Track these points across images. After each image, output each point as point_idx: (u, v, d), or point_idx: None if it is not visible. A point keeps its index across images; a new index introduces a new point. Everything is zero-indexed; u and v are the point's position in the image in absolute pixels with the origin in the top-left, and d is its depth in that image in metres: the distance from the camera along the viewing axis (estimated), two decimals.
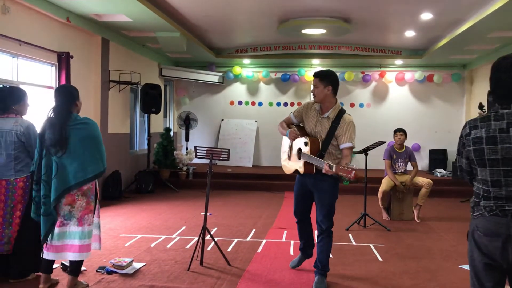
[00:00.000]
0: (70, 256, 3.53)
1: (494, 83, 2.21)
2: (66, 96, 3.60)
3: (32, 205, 3.58)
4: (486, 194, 2.17)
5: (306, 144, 3.80)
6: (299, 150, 3.88)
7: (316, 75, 3.88)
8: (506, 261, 2.10)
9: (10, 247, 3.73)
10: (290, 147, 4.06)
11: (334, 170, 3.42)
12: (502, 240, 2.08)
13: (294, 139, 3.97)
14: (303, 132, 3.97)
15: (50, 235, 3.50)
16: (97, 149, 3.57)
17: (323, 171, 3.51)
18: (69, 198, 3.50)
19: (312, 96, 4.01)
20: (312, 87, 3.95)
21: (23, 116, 3.94)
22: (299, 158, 3.87)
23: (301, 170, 3.84)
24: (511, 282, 2.20)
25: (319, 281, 3.90)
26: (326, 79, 3.83)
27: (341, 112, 3.85)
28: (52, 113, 3.55)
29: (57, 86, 3.83)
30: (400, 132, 6.87)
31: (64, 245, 3.52)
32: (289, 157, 4.07)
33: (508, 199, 2.10)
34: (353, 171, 3.34)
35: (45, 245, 3.54)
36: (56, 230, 3.52)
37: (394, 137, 6.92)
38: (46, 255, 3.55)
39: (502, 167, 2.10)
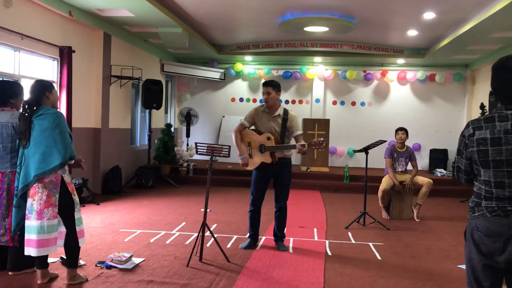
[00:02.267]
0: (31, 251, 3.51)
1: (500, 83, 2.17)
2: (36, 88, 3.67)
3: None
4: (488, 194, 2.16)
5: (269, 138, 4.63)
6: (261, 145, 4.68)
7: (268, 84, 4.71)
8: (505, 262, 2.10)
9: (7, 239, 3.74)
10: (250, 147, 4.79)
11: (306, 147, 4.37)
12: (504, 241, 2.08)
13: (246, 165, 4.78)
14: (257, 132, 4.77)
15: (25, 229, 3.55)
16: (60, 140, 3.52)
17: (297, 151, 4.46)
18: (31, 191, 3.54)
19: (264, 101, 4.75)
20: (265, 94, 4.70)
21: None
22: (262, 152, 4.66)
23: (268, 160, 4.66)
24: (507, 282, 2.20)
25: (282, 245, 4.92)
26: (277, 87, 4.73)
27: (286, 109, 4.76)
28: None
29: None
30: (402, 130, 6.86)
31: (27, 240, 3.53)
32: (250, 155, 4.80)
33: (510, 200, 2.10)
34: (323, 141, 4.25)
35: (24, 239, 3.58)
36: (25, 223, 3.57)
37: (395, 136, 6.91)
38: (27, 250, 3.55)
39: (506, 168, 2.09)
